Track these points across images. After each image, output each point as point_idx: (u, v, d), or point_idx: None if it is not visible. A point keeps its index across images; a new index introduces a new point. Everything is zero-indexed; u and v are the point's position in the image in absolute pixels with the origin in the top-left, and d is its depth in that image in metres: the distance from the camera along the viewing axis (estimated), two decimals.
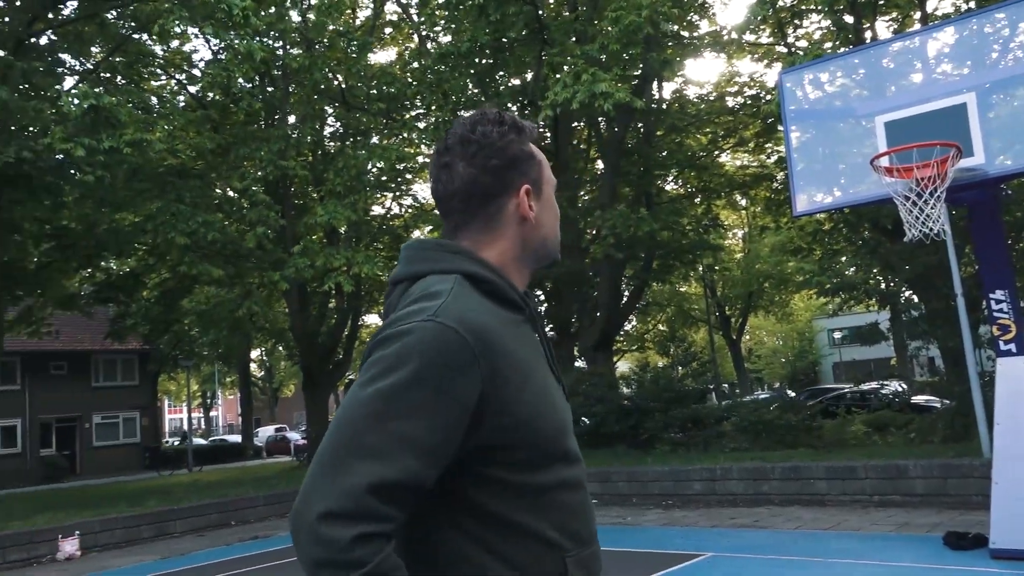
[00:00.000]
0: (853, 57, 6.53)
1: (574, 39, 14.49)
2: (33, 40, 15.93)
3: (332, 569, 1.09)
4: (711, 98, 21.28)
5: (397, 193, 23.19)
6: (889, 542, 7.84)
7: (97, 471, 29.58)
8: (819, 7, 17.63)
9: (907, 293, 18.39)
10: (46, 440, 30.11)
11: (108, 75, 17.92)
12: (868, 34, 17.05)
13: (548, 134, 20.11)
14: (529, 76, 17.69)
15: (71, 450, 30.57)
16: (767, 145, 22.47)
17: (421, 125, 17.56)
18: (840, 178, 5.97)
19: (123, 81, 18.06)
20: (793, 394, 34.14)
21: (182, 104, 20.06)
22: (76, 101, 12.02)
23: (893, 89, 5.84)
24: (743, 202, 28.33)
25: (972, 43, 5.57)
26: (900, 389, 23.58)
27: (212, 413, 61.85)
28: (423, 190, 24.44)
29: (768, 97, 20.11)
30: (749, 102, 20.39)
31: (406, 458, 1.13)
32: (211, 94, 19.97)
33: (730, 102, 20.84)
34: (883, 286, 20.17)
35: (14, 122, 13.74)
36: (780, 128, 21.34)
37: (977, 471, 9.78)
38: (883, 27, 18.07)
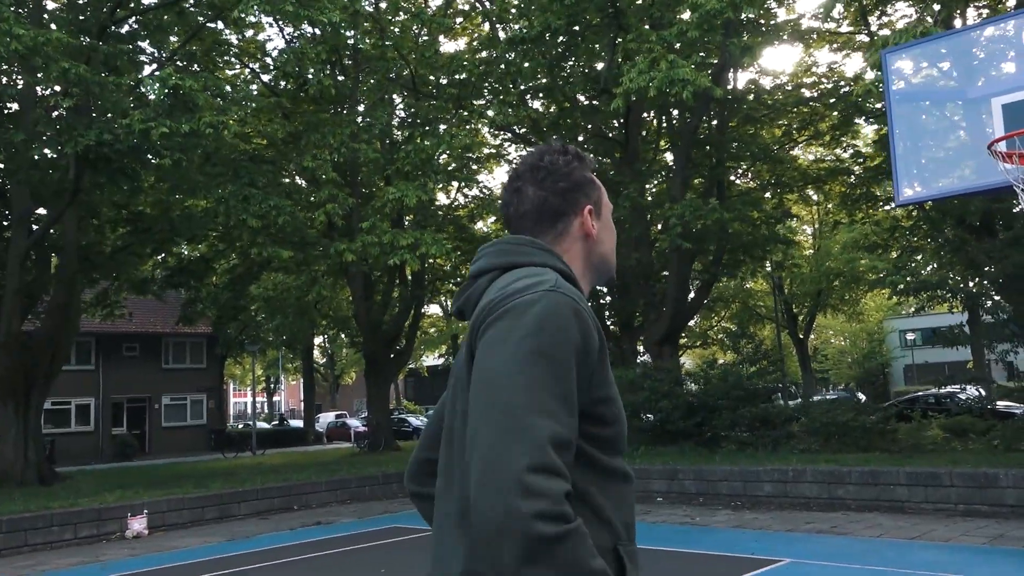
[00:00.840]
0: (963, 35, 6.09)
1: (649, 26, 14.11)
2: (115, 28, 16.24)
3: (554, 522, 1.13)
4: (787, 88, 20.61)
5: (463, 183, 23.11)
6: (982, 555, 7.38)
7: (165, 451, 30.34)
8: None
9: (993, 295, 17.55)
10: (118, 419, 31.00)
11: (184, 63, 18.22)
12: (957, 22, 16.25)
13: (617, 124, 19.77)
14: (601, 65, 17.33)
15: (141, 430, 31.42)
16: (843, 139, 21.74)
17: (490, 113, 17.36)
18: (949, 165, 5.57)
19: (198, 68, 18.33)
20: (863, 396, 33.13)
21: (255, 92, 20.30)
22: (157, 85, 12.18)
23: (1011, 69, 5.40)
24: (815, 197, 27.51)
25: None
26: (979, 394, 22.60)
27: (275, 398, 63.12)
28: (488, 180, 24.36)
29: (846, 88, 19.42)
30: (826, 94, 19.70)
31: (569, 415, 1.23)
32: (283, 82, 20.19)
33: (806, 93, 20.15)
34: (965, 286, 19.30)
35: (96, 105, 14.01)
36: (857, 121, 20.71)
37: None
38: (974, 15, 17.20)
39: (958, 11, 16.23)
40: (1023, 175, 4.81)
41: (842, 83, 19.81)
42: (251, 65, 21.45)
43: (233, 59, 21.11)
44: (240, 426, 39.93)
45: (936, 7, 16.80)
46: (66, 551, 10.26)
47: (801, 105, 20.18)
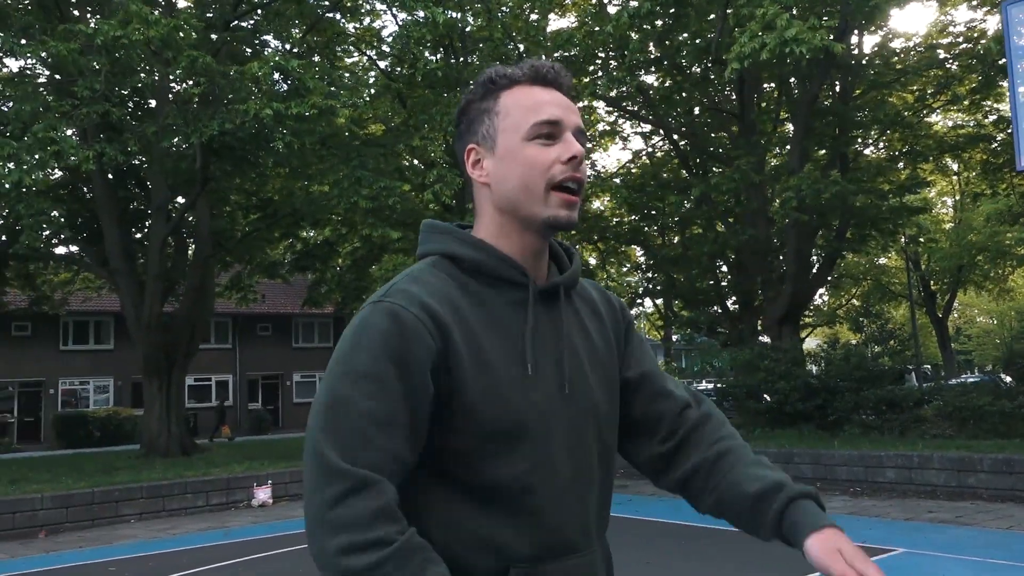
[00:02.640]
0: None
1: None
2: (239, 22, 17.04)
3: (362, 553, 1.07)
4: (920, 50, 19.30)
5: None
6: None
7: (297, 425, 31.91)
8: None
9: None
10: (253, 395, 32.84)
11: (305, 54, 18.93)
12: None
13: (734, 96, 19.10)
14: (712, 34, 16.76)
15: (274, 405, 33.16)
16: (985, 103, 20.19)
17: (600, 89, 17.12)
18: None
19: (318, 59, 18.99)
20: (1008, 379, 30.86)
21: (372, 79, 20.84)
22: (262, 66, 12.71)
23: None
24: (955, 167, 25.75)
25: None
26: None
27: None
28: (601, 158, 24.08)
29: (985, 49, 17.98)
30: (964, 54, 18.31)
31: (384, 434, 1.11)
32: (399, 68, 20.64)
33: (942, 55, 18.79)
34: None
35: (219, 95, 14.76)
36: (1001, 84, 19.17)
37: None
38: None
39: None
40: None
41: (982, 43, 18.35)
42: (368, 53, 22.02)
43: (351, 47, 21.72)
44: None
45: None
46: (198, 517, 10.99)
47: (936, 68, 18.84)
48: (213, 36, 16.18)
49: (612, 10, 17.94)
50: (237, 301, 22.55)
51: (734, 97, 19.09)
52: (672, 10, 16.64)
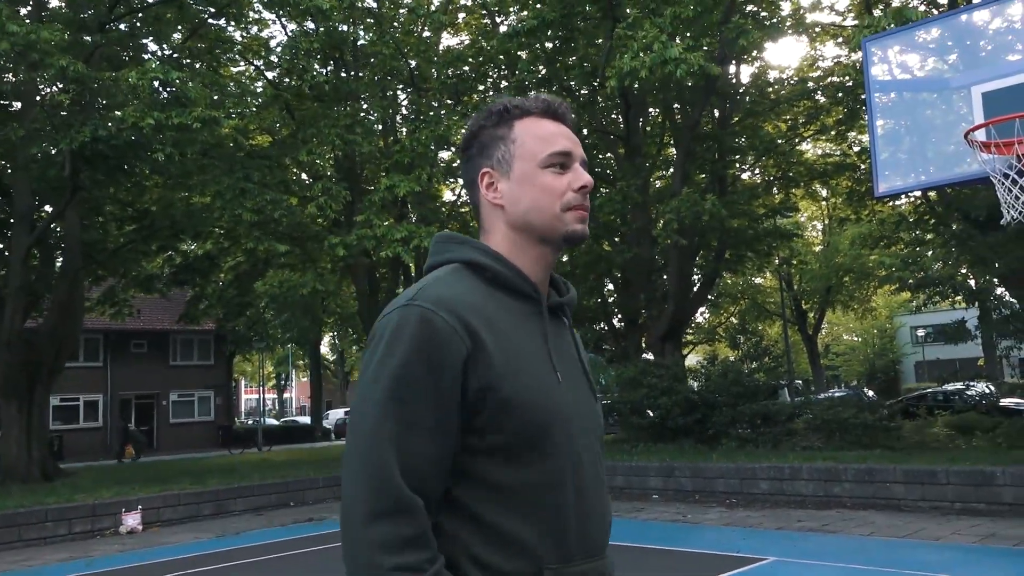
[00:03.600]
0: (944, 23, 5.98)
1: (647, 16, 13.98)
2: (115, 25, 16.28)
3: (397, 572, 1.14)
4: (792, 82, 20.43)
5: None
6: (973, 554, 7.27)
7: (173, 447, 30.48)
8: None
9: (999, 290, 17.34)
10: (126, 415, 31.19)
11: (188, 60, 18.26)
12: (952, 20, 16.03)
13: (620, 120, 19.64)
14: (598, 57, 17.22)
15: (149, 426, 31.58)
16: (849, 134, 21.53)
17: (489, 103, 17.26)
18: (929, 156, 5.46)
19: (200, 65, 18.35)
20: (871, 393, 32.89)
21: (259, 89, 20.32)
22: (139, 75, 12.19)
23: (991, 57, 5.28)
24: (823, 192, 27.26)
25: None
26: (988, 391, 22.35)
27: (286, 395, 63.35)
28: None
29: (851, 83, 19.22)
30: (832, 87, 19.49)
31: (423, 437, 1.17)
32: (287, 79, 20.20)
33: (812, 88, 19.95)
34: (971, 282, 19.08)
35: (91, 101, 14.05)
36: (864, 117, 20.49)
37: None
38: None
39: (964, 2, 16.01)
40: (1001, 165, 4.70)
41: (847, 79, 19.58)
42: (255, 62, 21.47)
43: (238, 56, 21.13)
44: (250, 422, 40.08)
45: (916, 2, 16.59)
46: (59, 546, 10.30)
47: (806, 99, 19.98)
48: (87, 38, 15.40)
49: (504, 29, 18.14)
50: (110, 316, 21.41)
51: (620, 121, 19.64)
52: (560, 32, 17.04)
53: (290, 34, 19.99)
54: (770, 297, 35.13)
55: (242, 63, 21.53)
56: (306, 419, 41.32)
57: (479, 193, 1.38)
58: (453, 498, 1.21)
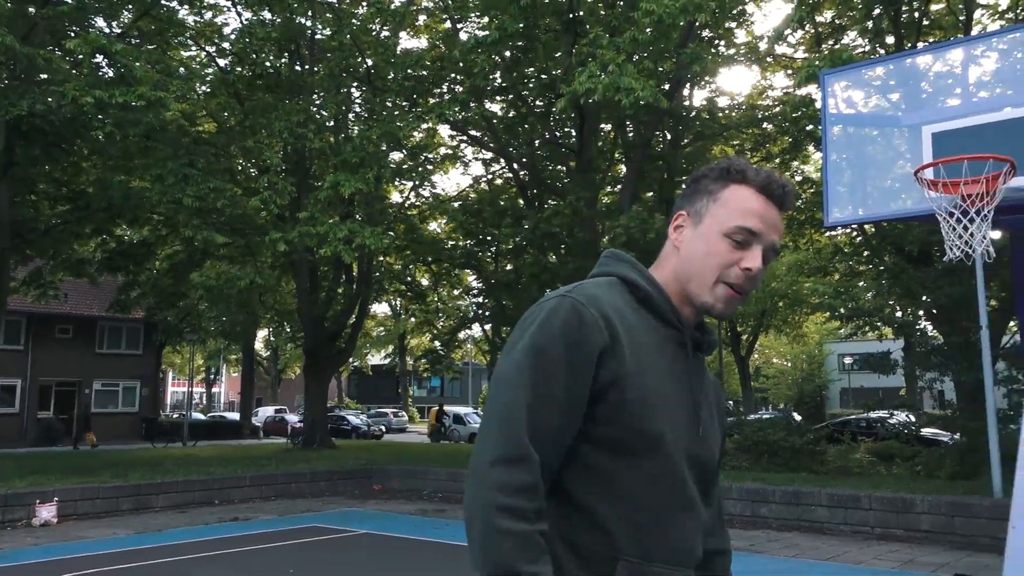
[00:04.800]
0: (900, 62, 6.17)
1: (608, 35, 14.12)
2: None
3: (506, 514, 1.24)
4: (742, 109, 20.87)
5: (416, 182, 22.92)
6: None
7: (98, 436, 29.45)
8: (860, 23, 17.25)
9: (923, 324, 17.94)
10: (45, 403, 30.02)
11: (137, 41, 17.73)
12: (908, 60, 16.60)
13: (574, 133, 19.78)
14: (559, 71, 17.32)
15: (70, 415, 30.46)
16: (793, 163, 22.08)
17: (446, 112, 17.17)
18: (879, 190, 5.61)
19: (151, 47, 17.85)
20: (798, 417, 33.73)
21: (209, 77, 19.86)
22: (81, 44, 11.78)
23: (942, 99, 5.47)
24: None
25: None
26: (909, 420, 23.09)
27: (215, 389, 61.91)
28: (442, 181, 24.17)
29: (798, 114, 19.74)
30: (780, 117, 19.98)
31: (553, 409, 1.28)
32: (239, 68, 19.80)
33: (760, 116, 20.42)
34: (899, 314, 19.72)
35: (32, 72, 13.53)
36: (808, 148, 21.07)
37: (987, 511, 9.40)
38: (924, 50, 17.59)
39: (908, 44, 16.60)
40: (947, 203, 4.86)
41: (794, 111, 20.09)
42: (207, 48, 20.98)
43: (190, 40, 20.62)
44: (175, 416, 39.02)
45: (889, 39, 17.19)
46: None
47: (754, 126, 20.43)
48: (31, 10, 14.84)
49: (464, 36, 18.11)
50: (34, 298, 20.62)
51: (574, 134, 19.77)
52: (520, 43, 17.09)
53: (245, 22, 19.63)
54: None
55: (193, 48, 21.04)
56: (234, 415, 40.42)
57: (669, 229, 1.49)
58: (559, 479, 1.32)
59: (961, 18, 17.61)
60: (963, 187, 4.72)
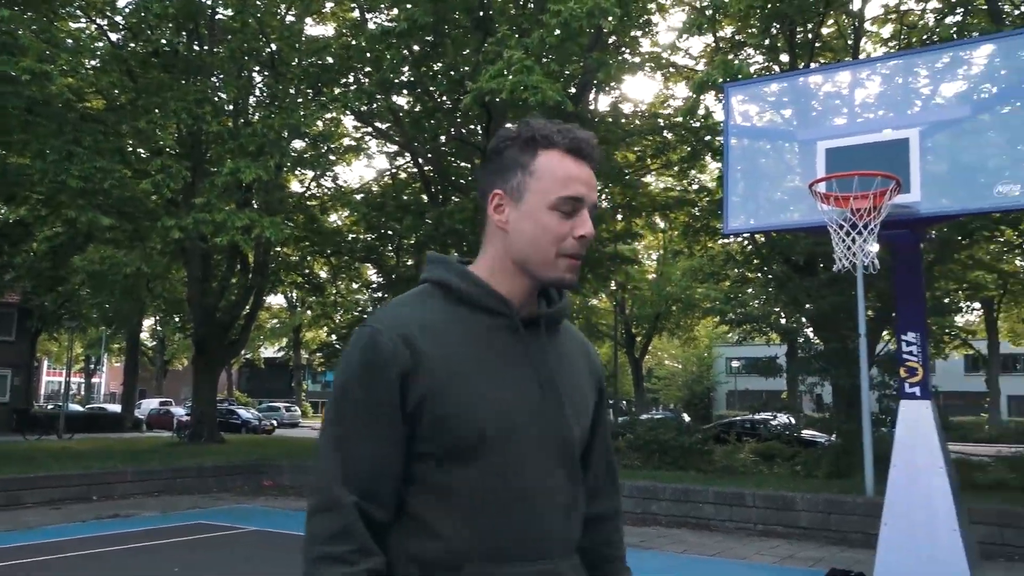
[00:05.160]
0: (800, 79, 6.46)
1: (518, 35, 14.20)
2: None
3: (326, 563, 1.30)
4: (645, 115, 21.38)
5: (319, 172, 22.44)
6: (774, 574, 7.81)
7: None
8: (757, 39, 17.95)
9: (807, 331, 18.85)
10: None
11: (21, 7, 16.64)
12: (802, 79, 17.39)
13: (480, 131, 19.80)
14: (467, 68, 17.28)
15: None
16: (691, 172, 22.79)
17: (351, 102, 16.87)
18: (776, 200, 5.86)
19: (36, 16, 16.80)
20: (687, 417, 34.90)
21: (99, 52, 18.84)
22: None
23: (837, 116, 5.75)
24: (662, 224, 28.67)
25: (920, 80, 5.53)
26: (790, 422, 24.23)
27: (94, 379, 58.89)
28: (344, 173, 23.75)
29: (697, 124, 20.39)
30: (680, 127, 20.56)
31: (369, 443, 1.31)
32: (132, 44, 18.89)
33: (663, 124, 20.96)
34: (784, 321, 20.65)
35: None
36: (705, 158, 21.80)
37: (859, 509, 9.94)
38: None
39: (801, 64, 17.39)
40: (837, 216, 5.11)
41: (693, 120, 20.72)
42: (99, 21, 19.91)
43: (78, 11, 19.51)
44: (50, 407, 36.94)
45: (784, 57, 17.97)
46: None
47: (656, 134, 20.95)
48: None
49: (372, 25, 17.82)
50: None
51: (480, 131, 19.78)
52: (429, 38, 16.97)
53: None
54: (603, 319, 36.48)
55: (83, 19, 19.93)
56: (116, 407, 38.59)
57: (487, 209, 1.43)
58: (403, 502, 1.33)
59: (849, 42, 18.61)
60: (852, 201, 4.98)
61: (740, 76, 11.50)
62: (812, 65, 17.57)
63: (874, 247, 5.07)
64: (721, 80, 13.09)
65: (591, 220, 1.39)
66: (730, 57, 18.89)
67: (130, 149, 18.95)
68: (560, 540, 1.37)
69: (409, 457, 1.32)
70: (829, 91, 6.02)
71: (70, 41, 17.45)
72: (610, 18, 12.82)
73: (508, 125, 1.45)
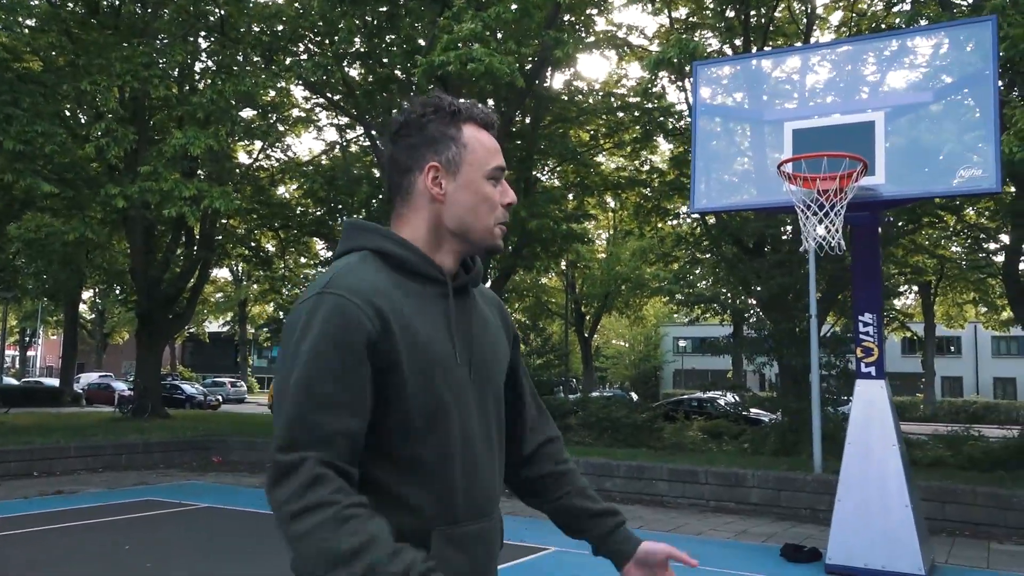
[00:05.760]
0: (767, 59, 6.48)
1: (474, 9, 13.99)
2: None
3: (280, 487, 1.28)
4: (599, 95, 21.37)
5: (267, 143, 21.92)
6: (729, 549, 7.95)
7: None
8: (714, 21, 18.05)
9: (754, 311, 19.18)
10: None
11: None
12: (769, 60, 17.55)
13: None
14: (423, 41, 17.00)
15: None
16: (643, 152, 22.89)
17: (304, 72, 16.46)
18: (741, 180, 5.88)
19: None
20: (635, 396, 35.37)
21: (36, 10, 18.03)
22: None
23: (804, 98, 5.79)
24: (612, 204, 28.80)
25: (882, 64, 5.59)
26: (735, 400, 24.73)
27: (30, 352, 57.08)
28: (295, 143, 23.23)
29: (649, 105, 20.46)
30: (632, 107, 20.61)
31: (328, 408, 1.27)
32: (70, 4, 18.13)
33: (616, 104, 20.97)
34: (731, 302, 20.98)
35: None
36: (656, 139, 21.91)
37: (808, 486, 10.19)
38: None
39: (755, 47, 17.54)
40: (804, 196, 5.15)
41: (648, 101, 20.78)
42: None
43: None
44: None
45: (738, 41, 18.10)
46: None
47: (609, 114, 20.96)
48: None
49: None
50: None
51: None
52: (384, 8, 16.64)
53: None
54: (553, 297, 36.60)
55: None
56: (53, 381, 37.49)
57: (416, 180, 1.45)
58: (366, 472, 1.33)
59: (801, 27, 18.83)
60: (819, 182, 5.02)
61: (696, 55, 11.51)
62: (765, 48, 17.74)
63: (839, 226, 5.13)
64: (675, 59, 13.14)
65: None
66: (684, 37, 19.02)
67: (69, 113, 18.26)
68: (497, 495, 1.48)
69: (373, 428, 1.32)
70: (796, 72, 6.05)
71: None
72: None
73: (413, 98, 1.53)
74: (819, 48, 6.36)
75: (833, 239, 5.01)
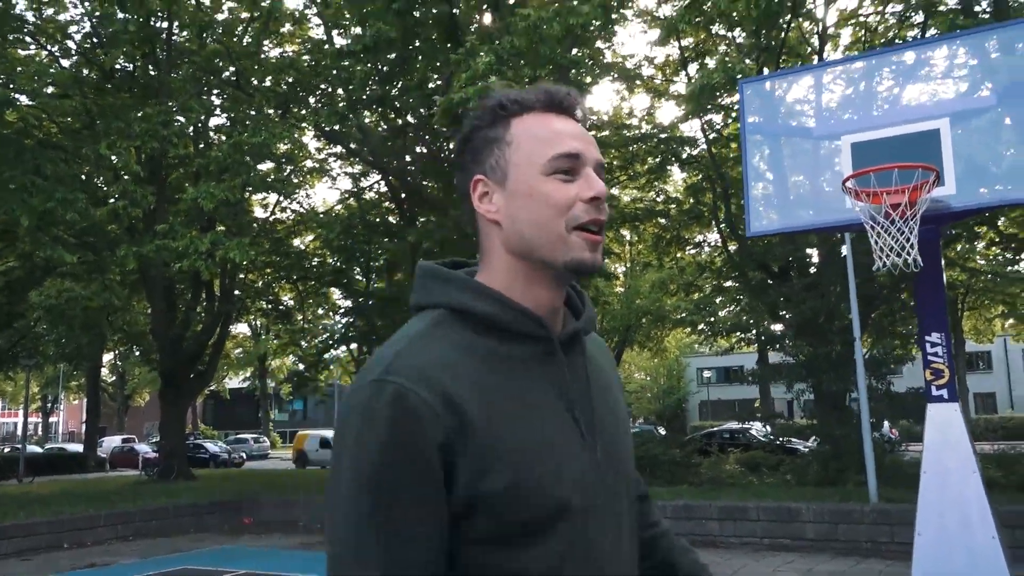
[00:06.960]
0: (817, 73, 6.27)
1: (488, 43, 13.93)
2: None
3: None
4: (611, 127, 21.32)
5: (282, 195, 21.93)
6: None
7: None
8: (730, 45, 17.98)
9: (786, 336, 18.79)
10: None
11: None
12: (817, 73, 17.43)
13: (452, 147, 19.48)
14: (439, 81, 16.97)
15: None
16: (656, 183, 22.77)
17: (322, 122, 16.47)
18: (796, 199, 5.64)
19: None
20: (663, 430, 34.76)
21: (51, 78, 18.23)
22: None
23: (858, 110, 5.56)
24: (629, 236, 28.60)
25: (946, 68, 5.38)
26: (767, 430, 24.20)
27: (52, 419, 57.05)
28: (310, 194, 23.27)
29: (664, 134, 20.37)
30: (644, 137, 20.54)
31: (402, 545, 0.99)
32: (86, 70, 18.34)
33: (628, 135, 20.88)
34: (756, 329, 20.61)
35: None
36: (670, 169, 21.78)
37: (867, 517, 9.75)
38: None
39: (767, 69, 17.43)
40: (872, 212, 4.89)
41: (658, 130, 20.69)
42: (49, 47, 19.25)
43: (28, 38, 18.86)
44: (6, 449, 35.56)
45: (748, 61, 18.01)
46: None
47: (624, 146, 20.87)
48: None
49: (339, 42, 17.48)
50: None
51: (452, 148, 19.49)
52: (395, 54, 16.66)
53: (93, 20, 18.17)
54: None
55: (33, 46, 19.26)
56: (76, 446, 37.30)
57: (474, 205, 1.14)
58: None
59: (812, 47, 18.73)
60: (886, 197, 4.76)
61: (740, 76, 11.37)
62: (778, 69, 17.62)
63: (914, 241, 4.85)
64: (721, 82, 13.01)
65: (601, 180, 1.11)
66: (700, 62, 18.93)
67: (84, 176, 18.33)
68: None
69: (456, 540, 1.03)
70: (851, 84, 5.83)
71: (20, 68, 16.85)
72: (591, 20, 12.63)
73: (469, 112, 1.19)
74: (869, 56, 6.15)
75: (910, 255, 4.73)
